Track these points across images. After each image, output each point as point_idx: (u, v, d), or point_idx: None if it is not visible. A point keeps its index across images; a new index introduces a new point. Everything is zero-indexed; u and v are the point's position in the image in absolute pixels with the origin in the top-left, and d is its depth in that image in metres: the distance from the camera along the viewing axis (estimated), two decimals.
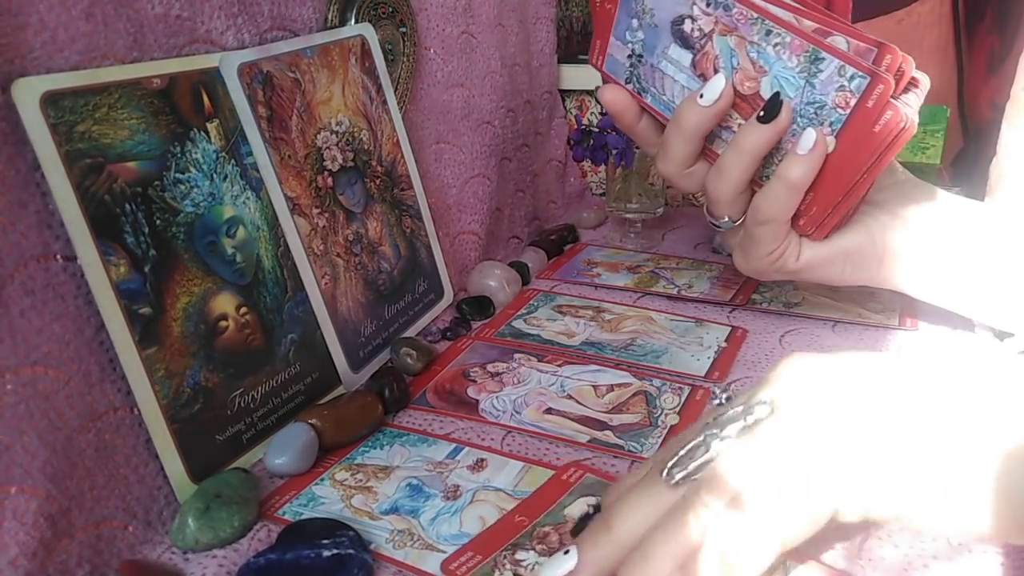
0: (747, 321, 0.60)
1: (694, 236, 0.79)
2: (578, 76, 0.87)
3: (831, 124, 0.44)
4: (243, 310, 0.44)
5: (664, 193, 0.76)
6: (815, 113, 0.45)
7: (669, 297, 0.65)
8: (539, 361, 0.55)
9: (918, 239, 0.49)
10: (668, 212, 0.83)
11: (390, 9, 0.58)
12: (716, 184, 0.49)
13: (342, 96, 0.52)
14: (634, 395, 0.50)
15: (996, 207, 0.57)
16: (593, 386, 0.51)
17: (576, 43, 0.87)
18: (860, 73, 0.42)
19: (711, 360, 0.54)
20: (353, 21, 0.54)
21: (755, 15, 0.44)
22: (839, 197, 0.46)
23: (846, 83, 0.43)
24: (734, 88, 0.47)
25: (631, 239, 0.77)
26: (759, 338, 0.58)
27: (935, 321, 0.57)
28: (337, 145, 0.52)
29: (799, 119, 0.45)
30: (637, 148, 0.72)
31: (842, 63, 0.43)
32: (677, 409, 0.49)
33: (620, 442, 0.46)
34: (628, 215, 0.76)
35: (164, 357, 0.39)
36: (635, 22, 0.50)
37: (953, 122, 0.78)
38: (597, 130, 0.73)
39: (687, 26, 0.47)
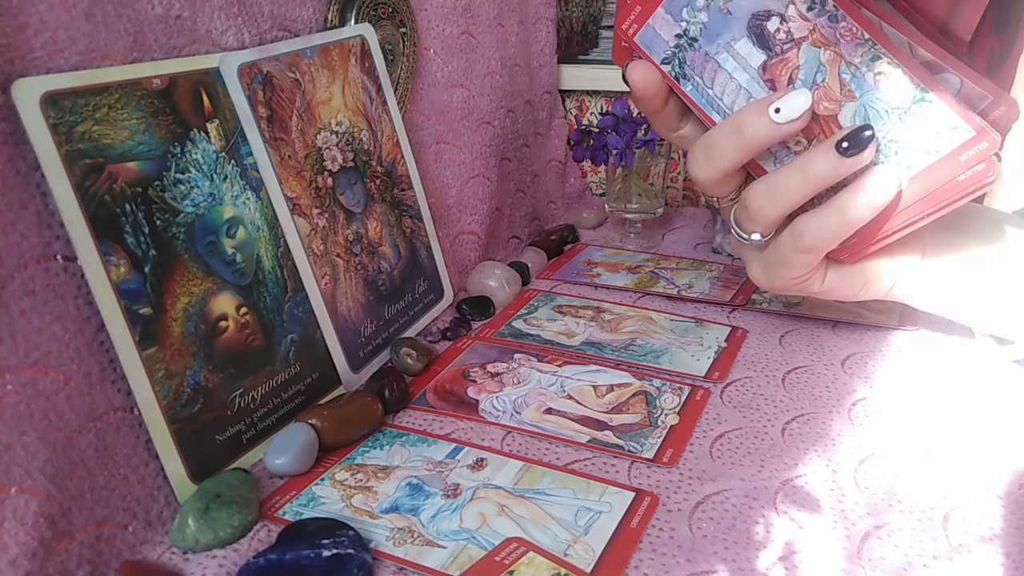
0: (747, 321, 0.60)
1: (694, 236, 0.79)
2: (578, 76, 0.87)
3: (910, 165, 0.40)
4: (243, 310, 0.44)
5: (664, 193, 0.76)
6: (895, 153, 0.40)
7: (669, 297, 0.65)
8: (539, 361, 0.55)
9: (936, 260, 0.47)
10: (668, 212, 0.83)
11: (390, 9, 0.58)
12: (764, 203, 0.43)
13: (342, 96, 0.52)
14: (634, 395, 0.50)
15: (995, 207, 0.57)
16: (593, 386, 0.51)
17: (576, 43, 0.87)
18: (966, 126, 0.38)
19: (711, 360, 0.54)
20: (353, 21, 0.54)
21: (867, 36, 0.39)
22: (890, 233, 0.42)
23: (945, 131, 0.39)
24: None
25: (631, 239, 0.77)
26: (759, 338, 0.58)
27: (935, 321, 0.57)
28: (337, 145, 0.52)
29: (876, 152, 0.41)
30: (637, 148, 0.72)
31: (953, 112, 0.38)
32: (677, 409, 0.49)
33: (620, 442, 0.46)
34: (628, 215, 0.76)
35: (164, 357, 0.39)
36: (699, 2, 0.43)
37: None
38: (597, 130, 0.74)
39: (772, 24, 0.41)
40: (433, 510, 0.40)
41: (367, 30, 0.55)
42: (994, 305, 0.49)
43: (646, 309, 0.62)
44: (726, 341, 0.57)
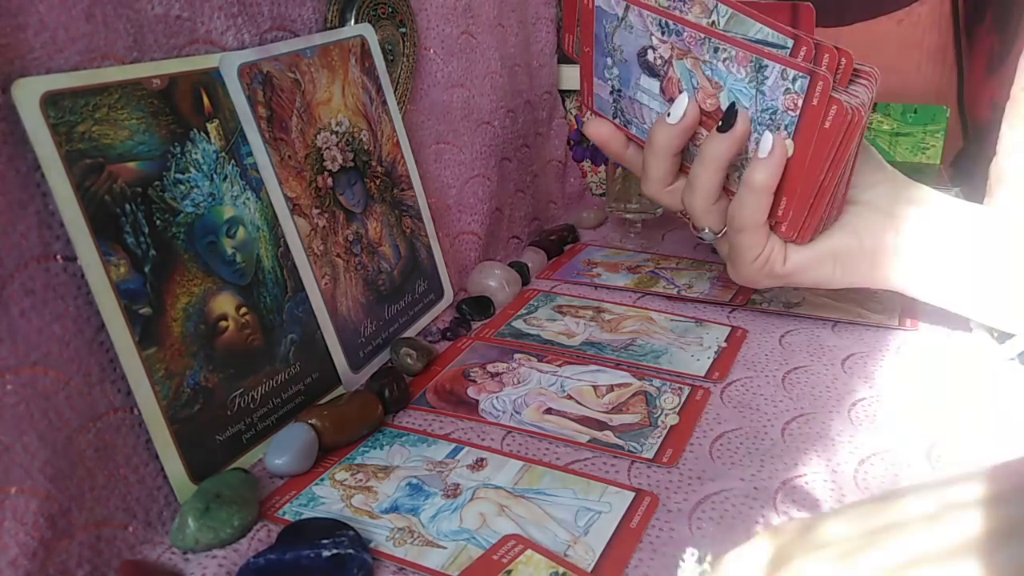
0: (747, 321, 0.60)
1: (694, 236, 0.78)
2: (578, 76, 0.86)
3: (786, 127, 0.46)
4: (243, 310, 0.44)
5: None
6: (771, 119, 0.46)
7: (669, 297, 0.65)
8: (539, 361, 0.55)
9: (910, 238, 0.49)
10: (668, 212, 0.83)
11: (390, 9, 0.58)
12: (690, 197, 0.51)
13: (342, 96, 0.52)
14: (634, 395, 0.50)
15: (995, 207, 0.57)
16: (593, 386, 0.51)
17: None
18: (800, 74, 0.43)
19: (711, 360, 0.54)
20: (353, 21, 0.54)
21: (702, 35, 0.47)
22: (810, 198, 0.47)
23: (790, 85, 0.44)
24: (698, 106, 0.49)
25: (631, 239, 0.77)
26: (759, 338, 0.58)
27: (935, 321, 0.57)
28: (337, 145, 0.52)
29: (757, 127, 0.47)
30: None
31: (783, 67, 0.44)
32: (677, 409, 0.49)
33: (620, 442, 0.46)
34: (628, 215, 0.76)
35: (164, 357, 0.39)
36: (609, 60, 0.53)
37: (953, 122, 0.78)
38: None
39: (650, 56, 0.50)
40: (433, 510, 0.40)
41: (367, 30, 0.55)
42: (986, 292, 0.50)
43: (646, 309, 0.62)
44: (726, 341, 0.57)
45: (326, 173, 0.51)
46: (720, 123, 0.47)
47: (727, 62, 0.46)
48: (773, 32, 0.45)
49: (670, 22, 0.48)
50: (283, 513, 0.40)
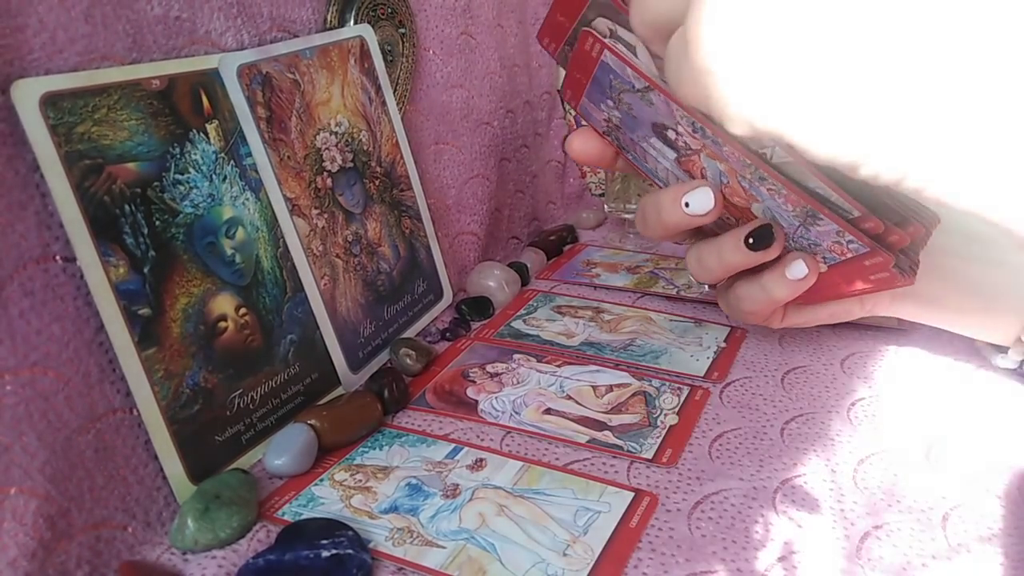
0: None
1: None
2: None
3: (824, 258, 0.43)
4: (242, 311, 0.44)
5: None
6: (809, 247, 0.43)
7: (668, 297, 0.65)
8: (538, 361, 0.55)
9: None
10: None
11: (389, 10, 0.58)
12: (695, 269, 0.47)
13: (341, 97, 0.52)
14: (633, 395, 0.50)
15: None
16: (592, 386, 0.51)
17: None
18: (860, 244, 0.40)
19: (710, 360, 0.54)
20: (352, 22, 0.54)
21: (748, 161, 0.39)
22: (821, 300, 0.46)
23: (843, 242, 0.40)
24: (723, 200, 0.43)
25: (630, 239, 0.77)
26: (758, 338, 0.58)
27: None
28: (336, 146, 0.52)
29: (790, 242, 0.44)
30: None
31: (841, 229, 0.39)
32: (676, 409, 0.49)
33: (619, 442, 0.46)
34: (627, 215, 0.76)
35: (163, 358, 0.39)
36: (610, 102, 0.44)
37: None
38: None
39: (671, 133, 0.42)
40: (432, 510, 0.40)
41: (366, 31, 0.55)
42: (979, 305, 0.49)
43: (645, 309, 0.62)
44: (725, 341, 0.57)
45: (325, 174, 0.51)
46: (751, 239, 0.43)
47: (772, 192, 0.40)
48: (837, 195, 0.38)
49: (707, 129, 0.39)
50: (282, 513, 0.40)
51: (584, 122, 0.49)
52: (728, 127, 0.30)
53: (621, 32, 0.42)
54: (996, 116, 0.26)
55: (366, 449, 0.45)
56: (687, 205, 0.43)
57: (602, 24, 0.43)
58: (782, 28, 0.27)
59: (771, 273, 0.45)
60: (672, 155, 0.44)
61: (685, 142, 0.42)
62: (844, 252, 0.41)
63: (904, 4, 0.26)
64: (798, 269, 0.43)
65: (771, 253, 0.43)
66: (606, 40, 0.41)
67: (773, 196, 0.41)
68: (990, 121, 0.26)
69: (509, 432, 0.47)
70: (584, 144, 0.49)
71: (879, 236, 0.39)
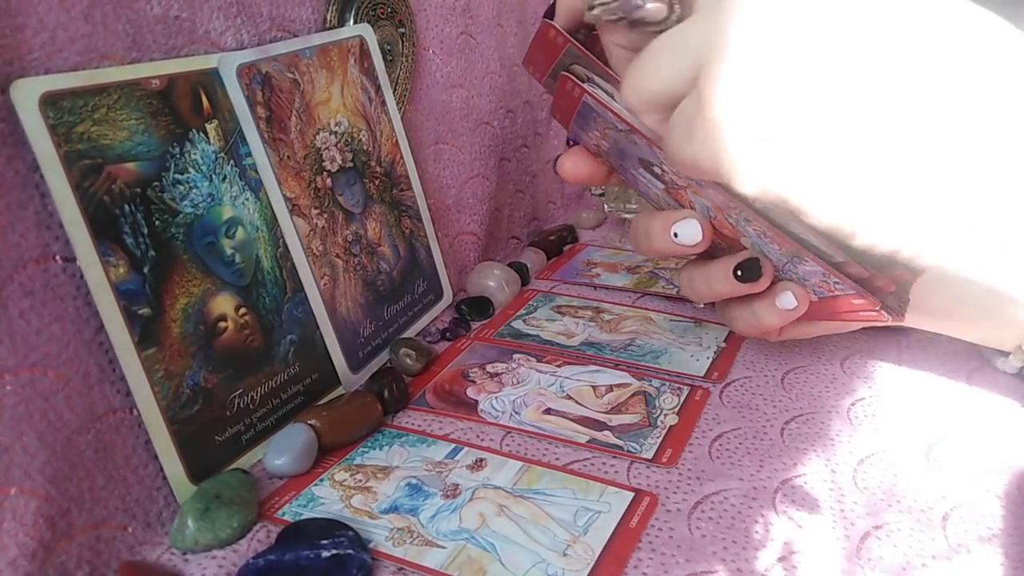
0: None
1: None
2: None
3: (815, 291, 0.43)
4: (242, 311, 0.44)
5: None
6: (799, 279, 0.43)
7: (668, 297, 0.65)
8: (538, 361, 0.55)
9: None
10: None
11: (389, 9, 0.58)
12: (686, 290, 0.48)
13: (341, 97, 0.52)
14: (633, 395, 0.50)
15: None
16: (592, 386, 0.51)
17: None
18: (845, 286, 0.40)
19: (710, 360, 0.54)
20: (352, 22, 0.54)
21: (732, 204, 0.40)
22: (814, 320, 0.45)
23: (830, 283, 0.41)
24: (712, 230, 0.44)
25: (630, 239, 0.77)
26: (758, 339, 0.58)
27: None
28: (336, 146, 0.52)
29: (780, 273, 0.44)
30: None
31: (826, 272, 0.40)
32: (676, 409, 0.49)
33: (619, 442, 0.46)
34: (627, 215, 0.76)
35: (163, 358, 0.39)
36: (596, 133, 0.44)
37: None
38: None
39: (656, 169, 0.43)
40: (432, 510, 0.40)
41: (366, 30, 0.55)
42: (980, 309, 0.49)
43: (645, 309, 0.62)
44: (725, 341, 0.57)
45: (325, 173, 0.51)
46: (739, 271, 0.44)
47: (758, 232, 0.41)
48: (820, 242, 0.39)
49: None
50: (282, 513, 0.40)
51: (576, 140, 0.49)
52: (736, 187, 0.31)
53: (598, 80, 0.42)
54: (988, 195, 0.27)
55: (366, 449, 0.45)
56: (676, 235, 0.44)
57: (579, 71, 0.43)
58: (795, 98, 0.28)
59: (761, 302, 0.45)
60: (660, 187, 0.44)
61: (671, 178, 0.42)
62: (832, 290, 0.42)
63: (905, 87, 0.27)
64: (787, 300, 0.44)
65: (759, 286, 0.44)
66: (584, 85, 0.42)
67: (760, 236, 0.41)
68: (980, 199, 0.27)
69: (509, 432, 0.47)
70: (576, 166, 0.48)
71: (864, 281, 0.40)
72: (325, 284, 0.50)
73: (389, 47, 0.58)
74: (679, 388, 0.51)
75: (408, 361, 0.53)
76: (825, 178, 0.29)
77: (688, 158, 0.32)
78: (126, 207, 0.38)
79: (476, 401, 0.50)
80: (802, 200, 0.30)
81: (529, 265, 0.69)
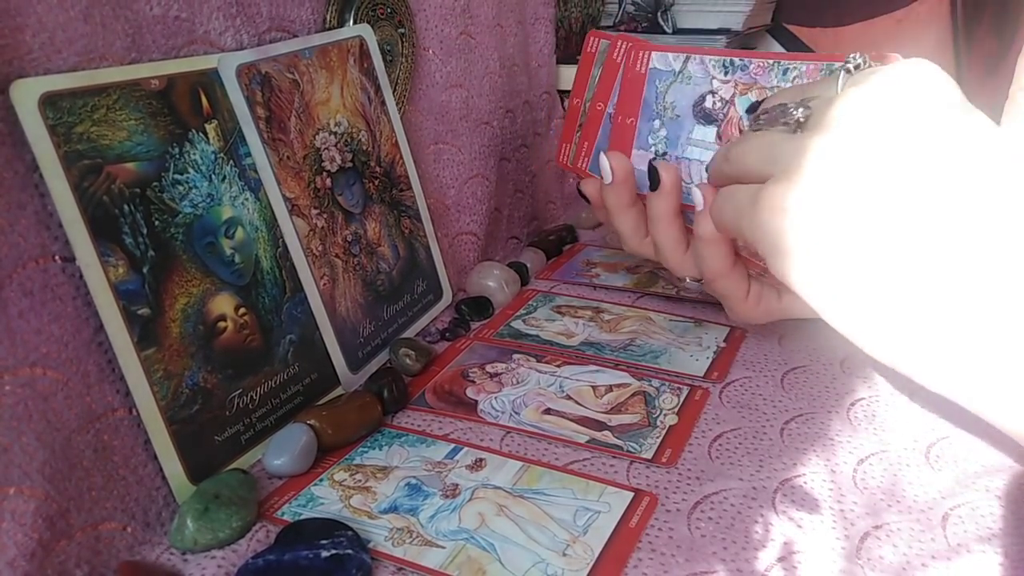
0: None
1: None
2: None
3: None
4: (242, 311, 0.44)
5: None
6: None
7: (668, 297, 0.65)
8: (538, 362, 0.55)
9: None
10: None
11: (388, 10, 0.58)
12: (660, 253, 0.52)
13: (341, 97, 0.52)
14: (633, 395, 0.50)
15: None
16: (592, 386, 0.51)
17: (575, 43, 0.87)
18: None
19: (710, 360, 0.54)
20: (351, 22, 0.54)
21: (770, 61, 0.48)
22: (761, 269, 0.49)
23: None
24: (679, 182, 0.50)
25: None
26: (758, 338, 0.58)
27: None
28: (336, 146, 0.52)
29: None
30: None
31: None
32: (676, 409, 0.49)
33: (619, 442, 0.46)
34: None
35: (163, 358, 0.39)
36: (657, 123, 0.53)
37: None
38: None
39: (708, 102, 0.51)
40: (432, 510, 0.40)
41: (365, 31, 0.55)
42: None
43: (645, 309, 0.62)
44: (725, 341, 0.57)
45: (324, 174, 0.51)
46: (650, 183, 0.49)
47: (797, 79, 0.47)
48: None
49: (735, 59, 0.50)
50: (282, 513, 0.40)
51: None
52: (770, 262, 0.38)
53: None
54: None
55: (366, 449, 0.45)
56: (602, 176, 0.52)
57: None
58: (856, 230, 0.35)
59: (696, 222, 0.48)
60: (713, 132, 0.51)
61: (721, 98, 0.50)
62: None
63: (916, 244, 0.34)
64: (696, 197, 0.47)
65: (665, 182, 0.49)
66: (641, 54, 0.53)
67: (797, 83, 0.47)
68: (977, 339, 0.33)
69: (509, 432, 0.47)
70: (595, 186, 0.54)
71: None
72: (324, 284, 0.50)
73: (389, 47, 0.58)
74: (679, 388, 0.51)
75: (408, 361, 0.53)
76: (846, 296, 0.37)
77: (745, 228, 0.40)
78: (125, 207, 0.38)
79: (476, 401, 0.50)
80: (815, 303, 0.38)
81: (529, 265, 0.69)
